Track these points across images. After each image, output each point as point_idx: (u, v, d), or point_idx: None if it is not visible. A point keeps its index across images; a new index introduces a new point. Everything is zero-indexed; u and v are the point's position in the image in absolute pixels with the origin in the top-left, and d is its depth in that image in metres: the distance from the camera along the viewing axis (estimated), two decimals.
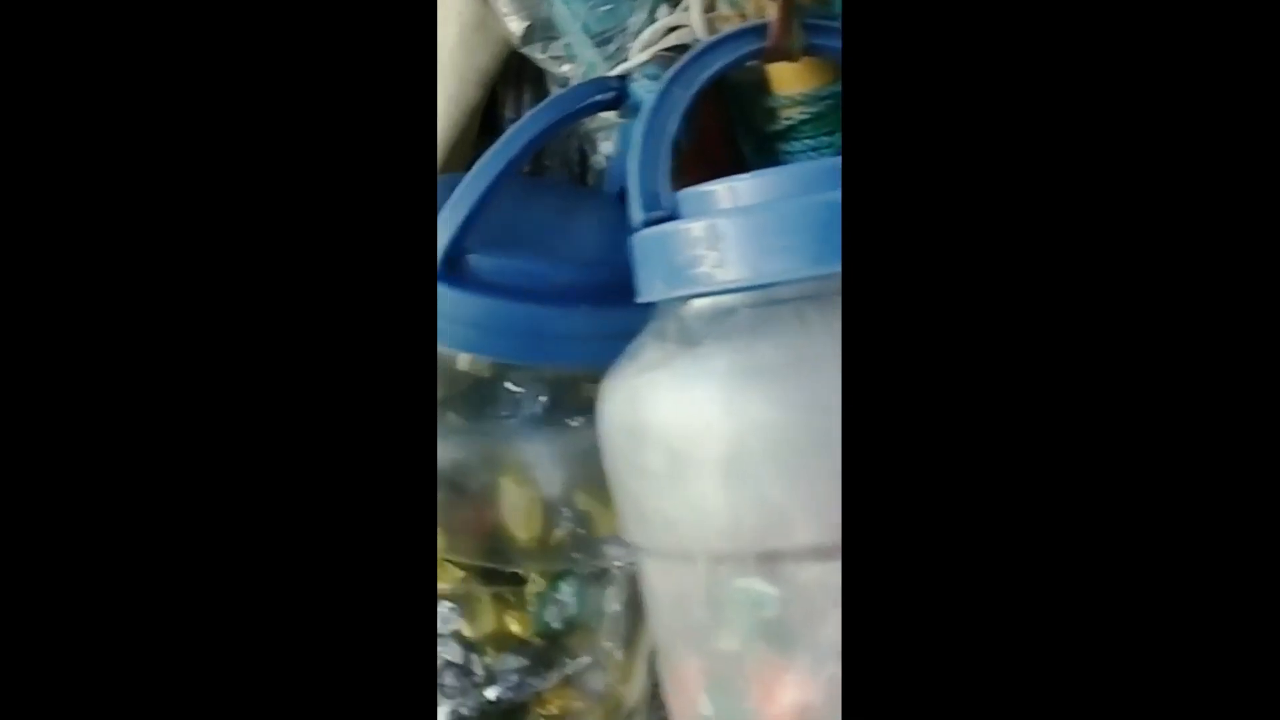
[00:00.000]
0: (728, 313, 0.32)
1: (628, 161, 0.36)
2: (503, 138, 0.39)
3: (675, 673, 0.34)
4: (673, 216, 0.34)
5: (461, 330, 0.37)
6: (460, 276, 0.37)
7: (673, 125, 0.36)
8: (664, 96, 0.37)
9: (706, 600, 0.32)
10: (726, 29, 0.39)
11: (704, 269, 0.32)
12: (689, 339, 0.33)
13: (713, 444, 0.31)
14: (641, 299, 0.34)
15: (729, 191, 0.34)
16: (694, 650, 0.33)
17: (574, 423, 0.38)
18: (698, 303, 0.33)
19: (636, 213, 0.35)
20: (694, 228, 0.33)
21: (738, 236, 0.32)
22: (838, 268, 0.28)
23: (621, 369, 0.34)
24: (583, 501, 0.38)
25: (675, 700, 0.35)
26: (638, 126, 0.36)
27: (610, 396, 0.34)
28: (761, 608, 0.31)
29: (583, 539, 0.38)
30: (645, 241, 0.34)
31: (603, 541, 0.38)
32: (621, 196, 0.37)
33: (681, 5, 0.40)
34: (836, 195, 0.29)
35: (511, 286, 0.37)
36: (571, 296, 0.37)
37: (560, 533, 0.38)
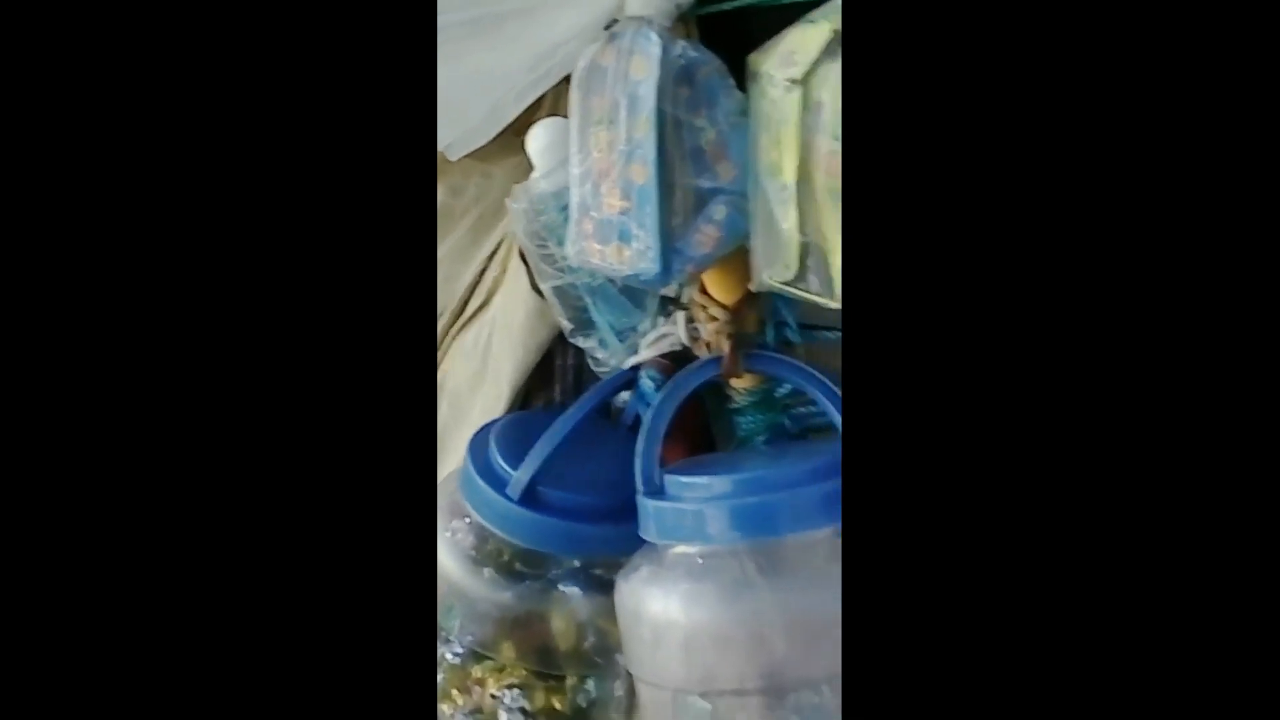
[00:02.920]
0: (690, 554, 0.58)
1: (638, 444, 0.61)
2: (571, 408, 0.65)
3: None
4: (661, 491, 0.59)
5: (532, 535, 0.63)
6: (534, 504, 0.62)
7: (662, 427, 0.61)
8: (658, 411, 0.61)
9: (672, 710, 0.57)
10: (701, 356, 0.64)
11: (682, 531, 0.58)
12: (666, 564, 0.58)
13: (674, 630, 0.57)
14: (641, 534, 0.59)
15: (704, 484, 0.58)
16: None
17: (598, 572, 0.63)
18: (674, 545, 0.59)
19: (640, 485, 0.60)
20: (673, 506, 0.58)
21: (704, 516, 0.57)
22: (764, 536, 0.55)
23: (627, 573, 0.60)
24: (602, 625, 0.63)
25: None
26: (643, 429, 0.61)
27: (620, 589, 0.60)
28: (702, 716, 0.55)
29: (601, 649, 0.63)
30: (644, 505, 0.60)
31: (614, 650, 0.62)
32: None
33: (670, 319, 0.65)
34: (772, 498, 0.56)
35: (564, 509, 0.63)
36: (599, 516, 0.62)
37: (587, 646, 0.63)
